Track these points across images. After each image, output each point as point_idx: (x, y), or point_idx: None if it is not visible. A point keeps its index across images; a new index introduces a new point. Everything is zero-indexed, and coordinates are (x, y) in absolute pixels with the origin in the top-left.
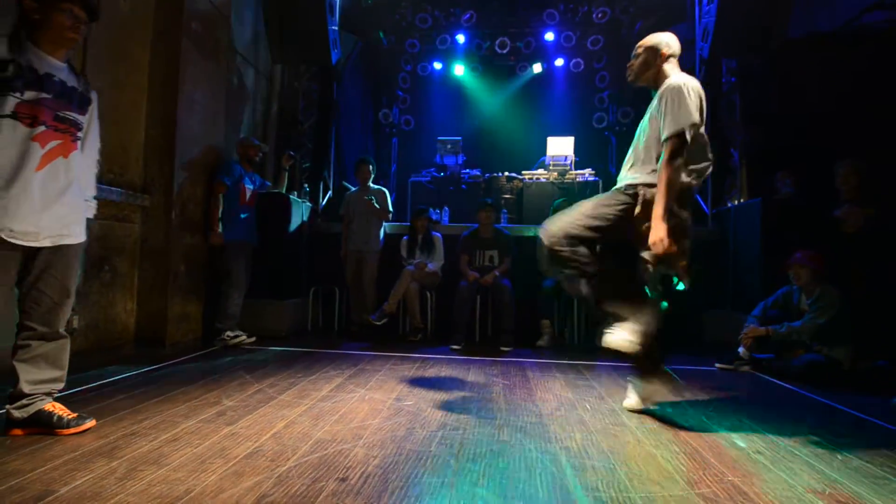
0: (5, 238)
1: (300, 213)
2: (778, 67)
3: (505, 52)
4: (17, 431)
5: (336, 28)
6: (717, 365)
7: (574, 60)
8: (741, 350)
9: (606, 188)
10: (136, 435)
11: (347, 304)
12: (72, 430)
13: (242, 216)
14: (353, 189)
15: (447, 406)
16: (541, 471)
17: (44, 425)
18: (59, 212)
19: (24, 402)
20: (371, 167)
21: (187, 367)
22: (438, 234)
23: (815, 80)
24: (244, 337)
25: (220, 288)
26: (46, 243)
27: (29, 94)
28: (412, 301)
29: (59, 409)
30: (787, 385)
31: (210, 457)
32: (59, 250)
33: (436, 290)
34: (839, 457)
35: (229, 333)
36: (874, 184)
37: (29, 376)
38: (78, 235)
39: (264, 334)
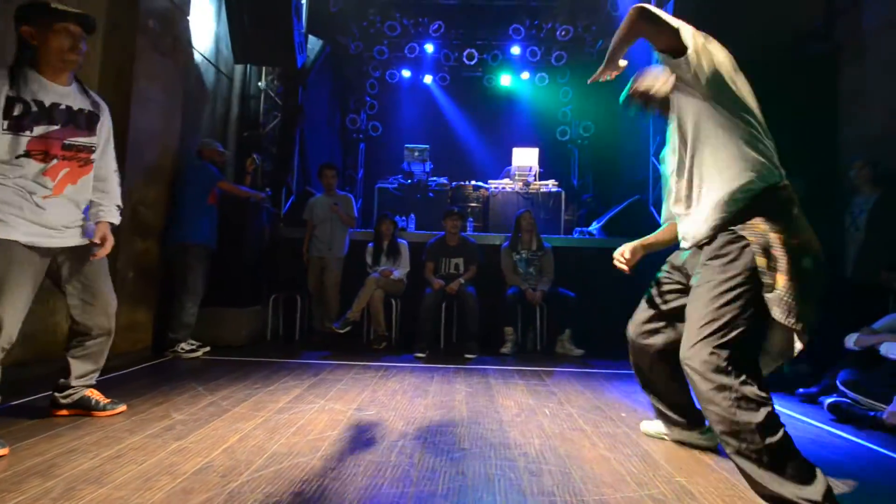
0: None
1: (261, 217)
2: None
3: (472, 63)
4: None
5: (303, 31)
6: None
7: (539, 74)
8: None
9: (569, 199)
10: (75, 452)
11: (309, 311)
12: (107, 413)
13: (206, 218)
14: (318, 194)
15: (409, 415)
16: (500, 477)
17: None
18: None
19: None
20: (335, 173)
21: (134, 379)
22: (404, 241)
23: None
24: (200, 353)
25: (174, 293)
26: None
27: (38, 130)
28: (377, 309)
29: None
30: None
31: (156, 474)
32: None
33: (401, 298)
34: None
35: (184, 346)
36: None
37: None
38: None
39: (220, 344)
